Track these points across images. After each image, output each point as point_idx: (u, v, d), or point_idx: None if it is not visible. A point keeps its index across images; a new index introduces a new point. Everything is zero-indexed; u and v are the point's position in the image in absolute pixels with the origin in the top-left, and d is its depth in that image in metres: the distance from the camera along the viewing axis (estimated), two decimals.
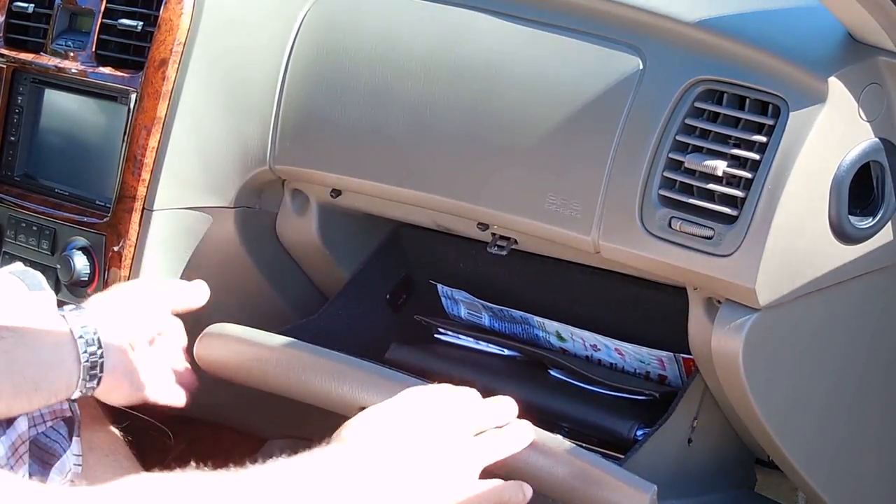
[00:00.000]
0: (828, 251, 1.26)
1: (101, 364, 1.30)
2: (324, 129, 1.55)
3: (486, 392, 1.43)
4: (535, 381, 1.50)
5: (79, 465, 1.32)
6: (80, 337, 1.29)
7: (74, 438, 1.32)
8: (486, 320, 1.62)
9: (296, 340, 1.47)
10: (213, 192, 1.59)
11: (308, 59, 1.57)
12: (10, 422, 1.27)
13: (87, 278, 1.59)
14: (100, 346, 1.30)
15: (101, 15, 1.64)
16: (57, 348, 1.29)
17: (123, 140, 1.60)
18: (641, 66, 1.33)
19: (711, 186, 1.25)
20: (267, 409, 1.70)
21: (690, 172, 1.27)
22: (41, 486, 1.02)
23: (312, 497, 1.09)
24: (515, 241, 1.46)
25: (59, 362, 1.28)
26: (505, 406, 1.23)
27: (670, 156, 1.28)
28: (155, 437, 1.81)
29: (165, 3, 1.58)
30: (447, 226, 1.53)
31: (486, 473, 1.19)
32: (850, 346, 1.35)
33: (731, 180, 1.25)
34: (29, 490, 1.01)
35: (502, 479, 1.19)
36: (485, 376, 1.51)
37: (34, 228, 1.67)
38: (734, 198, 1.24)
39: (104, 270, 1.60)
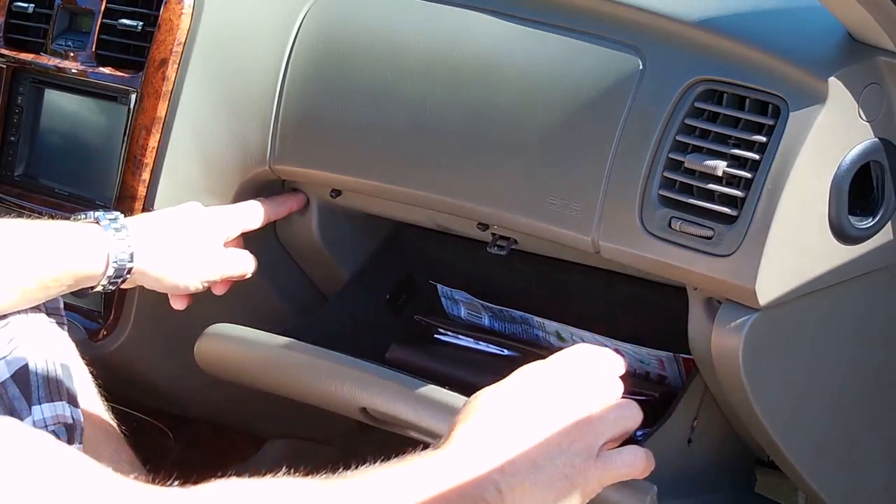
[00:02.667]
0: (828, 251, 1.26)
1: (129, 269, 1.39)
2: (324, 130, 1.55)
3: None
4: None
5: None
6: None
7: (76, 445, 1.31)
8: (485, 320, 1.62)
9: (296, 340, 1.47)
10: (213, 192, 1.59)
11: (308, 59, 1.57)
12: None
13: None
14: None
15: (101, 15, 1.64)
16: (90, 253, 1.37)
17: (123, 140, 1.60)
18: (641, 66, 1.33)
19: (711, 186, 1.25)
20: (267, 409, 1.70)
21: (690, 172, 1.27)
22: (128, 481, 0.93)
23: None
24: (515, 241, 1.46)
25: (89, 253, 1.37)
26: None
27: (670, 156, 1.28)
28: (155, 437, 1.82)
29: (165, 3, 1.58)
30: (447, 226, 1.53)
31: None
32: (850, 346, 1.34)
33: (730, 180, 1.25)
34: (115, 485, 0.93)
35: None
36: (485, 376, 1.50)
37: None
38: (734, 198, 1.24)
39: None
